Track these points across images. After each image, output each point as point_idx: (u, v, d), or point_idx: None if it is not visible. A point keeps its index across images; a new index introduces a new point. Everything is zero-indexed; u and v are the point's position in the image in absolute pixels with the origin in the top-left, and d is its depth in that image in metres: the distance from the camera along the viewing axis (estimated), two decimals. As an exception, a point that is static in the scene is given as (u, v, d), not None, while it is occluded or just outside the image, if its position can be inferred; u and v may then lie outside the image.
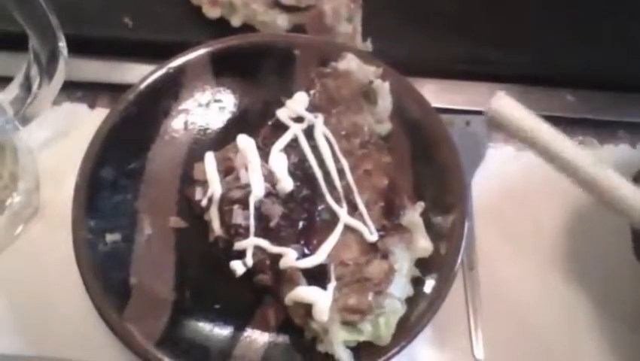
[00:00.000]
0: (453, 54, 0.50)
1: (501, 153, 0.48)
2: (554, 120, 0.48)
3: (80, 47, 0.46)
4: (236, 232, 0.38)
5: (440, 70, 0.50)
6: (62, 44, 0.39)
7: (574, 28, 0.51)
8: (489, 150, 0.48)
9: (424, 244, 0.39)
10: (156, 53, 0.48)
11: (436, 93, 0.47)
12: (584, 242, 0.45)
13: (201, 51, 0.44)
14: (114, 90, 0.48)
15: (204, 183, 0.40)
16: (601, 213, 0.45)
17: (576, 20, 0.51)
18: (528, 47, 0.50)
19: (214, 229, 0.40)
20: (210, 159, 0.40)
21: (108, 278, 0.38)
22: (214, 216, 0.39)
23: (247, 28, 0.49)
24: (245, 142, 0.41)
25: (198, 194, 0.40)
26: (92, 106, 0.49)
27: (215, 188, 0.39)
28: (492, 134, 0.48)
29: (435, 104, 0.44)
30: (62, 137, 0.47)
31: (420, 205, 0.41)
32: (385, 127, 0.43)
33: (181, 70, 0.44)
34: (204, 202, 0.40)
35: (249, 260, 0.38)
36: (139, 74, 0.45)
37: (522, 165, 0.47)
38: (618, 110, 0.49)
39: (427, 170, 0.42)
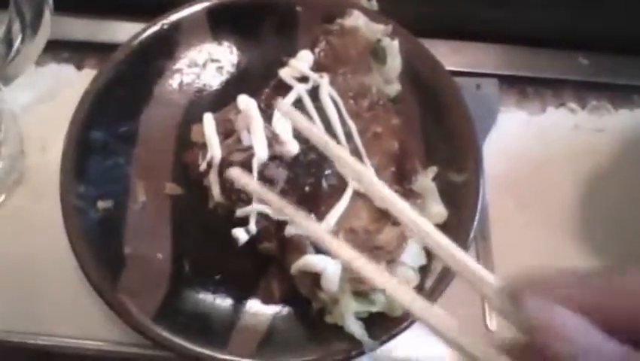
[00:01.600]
0: (463, 14, 0.48)
1: (513, 117, 0.46)
2: (567, 84, 0.47)
3: (67, 5, 0.43)
4: (238, 197, 0.36)
5: (448, 30, 0.47)
6: (47, -4, 0.36)
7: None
8: (500, 114, 0.45)
9: (437, 210, 0.37)
10: (147, 10, 0.45)
11: (445, 55, 0.44)
12: (599, 209, 0.43)
13: (197, 7, 0.41)
14: (103, 50, 0.45)
15: (202, 146, 0.37)
16: (616, 179, 0.44)
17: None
18: (541, 8, 0.48)
19: (213, 195, 0.37)
20: (209, 120, 0.38)
21: (100, 248, 0.35)
22: (213, 182, 0.37)
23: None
24: (246, 102, 0.38)
25: (196, 158, 0.37)
26: (79, 67, 0.46)
27: (215, 151, 0.37)
28: (504, 98, 0.46)
29: (445, 66, 0.42)
30: (48, 100, 0.44)
31: (432, 170, 0.39)
32: (394, 88, 0.41)
33: (175, 27, 0.41)
34: (203, 166, 0.37)
35: (252, 227, 0.36)
36: (129, 33, 0.42)
37: (535, 130, 0.45)
38: (633, 75, 0.47)
39: (437, 133, 0.40)
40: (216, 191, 0.37)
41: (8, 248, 0.40)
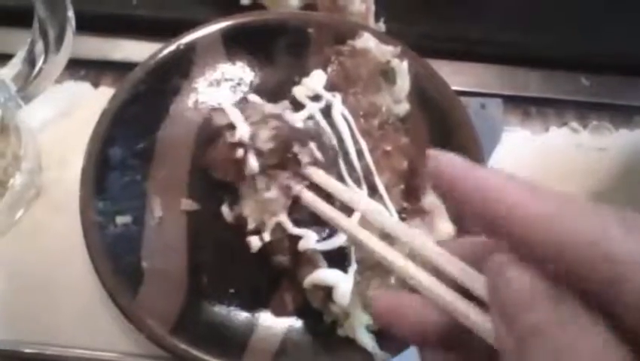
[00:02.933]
0: (467, 35, 0.49)
1: (517, 136, 0.47)
2: (569, 104, 0.49)
3: (84, 24, 0.44)
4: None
5: (453, 51, 0.49)
6: (71, 14, 0.37)
7: (590, 10, 0.50)
8: (504, 133, 0.47)
9: (445, 226, 0.38)
10: (161, 30, 0.46)
11: (449, 75, 0.46)
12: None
13: (213, 28, 0.43)
14: (118, 69, 0.47)
15: (228, 128, 0.38)
16: (620, 197, 0.45)
17: (591, 2, 0.50)
18: (543, 29, 0.49)
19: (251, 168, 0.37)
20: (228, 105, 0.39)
21: (119, 262, 0.36)
22: (251, 159, 0.37)
23: (257, 6, 0.47)
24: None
25: (221, 151, 0.38)
26: (95, 85, 0.47)
27: (242, 128, 0.37)
28: (508, 118, 0.47)
29: (450, 86, 0.43)
30: (65, 116, 0.45)
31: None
32: (403, 108, 0.42)
33: (191, 47, 0.42)
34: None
35: (267, 235, 0.37)
36: (144, 51, 0.44)
37: (539, 149, 0.47)
38: (634, 95, 0.48)
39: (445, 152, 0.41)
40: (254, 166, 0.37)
41: (26, 262, 0.41)
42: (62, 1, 0.36)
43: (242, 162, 0.37)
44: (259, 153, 0.37)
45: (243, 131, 0.37)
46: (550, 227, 0.18)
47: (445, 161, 0.21)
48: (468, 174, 0.20)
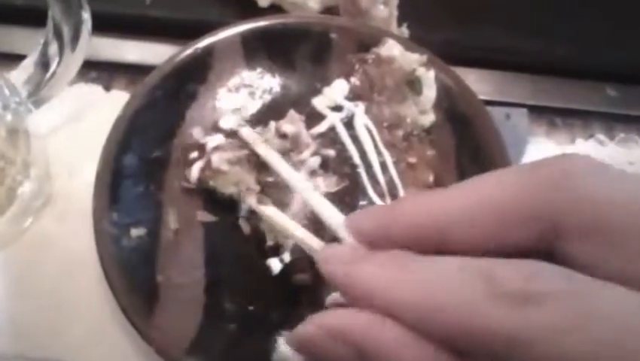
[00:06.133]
0: (492, 43, 0.48)
1: (542, 147, 0.45)
2: (595, 115, 0.47)
3: (96, 25, 0.42)
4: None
5: (477, 59, 0.47)
6: (87, 15, 0.35)
7: (617, 19, 0.49)
8: (529, 144, 0.45)
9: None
10: (175, 32, 0.45)
11: (473, 83, 0.44)
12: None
13: (231, 31, 0.41)
14: (131, 71, 0.45)
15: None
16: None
17: (619, 11, 0.49)
18: (569, 37, 0.48)
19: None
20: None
21: (133, 277, 0.35)
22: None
23: (275, 8, 0.46)
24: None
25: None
26: (107, 88, 0.45)
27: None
28: (533, 128, 0.46)
29: (474, 95, 0.42)
30: (75, 121, 0.44)
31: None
32: (429, 118, 0.40)
33: (209, 51, 0.41)
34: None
35: (287, 257, 0.36)
36: (158, 54, 0.43)
37: (565, 162, 0.45)
38: (661, 107, 0.47)
39: (472, 165, 0.40)
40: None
41: (34, 273, 0.39)
42: (78, 1, 0.34)
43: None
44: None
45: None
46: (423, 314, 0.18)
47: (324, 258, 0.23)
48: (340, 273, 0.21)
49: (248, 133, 0.37)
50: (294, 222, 0.32)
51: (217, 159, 0.36)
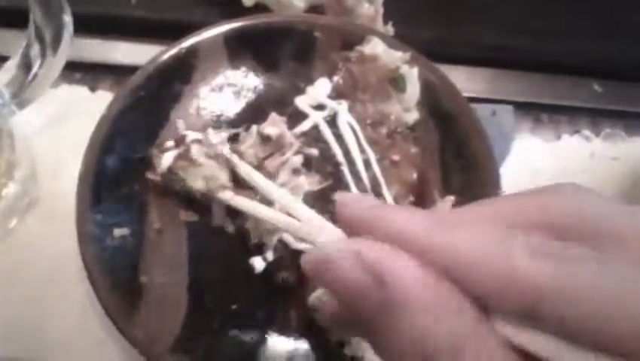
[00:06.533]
0: (477, 40, 0.48)
1: (528, 144, 0.46)
2: (581, 111, 0.47)
3: (80, 26, 0.42)
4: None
5: (463, 56, 0.47)
6: (68, 18, 0.35)
7: (604, 15, 0.49)
8: (515, 141, 0.45)
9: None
10: (161, 32, 0.45)
11: (459, 81, 0.44)
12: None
13: (215, 31, 0.41)
14: (116, 72, 0.45)
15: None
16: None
17: (605, 7, 0.49)
18: (555, 34, 0.48)
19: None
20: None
21: (116, 277, 0.35)
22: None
23: (260, 8, 0.46)
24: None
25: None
26: (92, 89, 0.45)
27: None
28: (519, 125, 0.46)
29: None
30: (60, 122, 0.44)
31: (450, 199, 0.38)
32: (413, 116, 0.40)
33: (193, 51, 0.41)
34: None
35: (269, 256, 0.36)
36: (143, 55, 0.42)
37: (551, 158, 0.45)
38: (647, 102, 0.47)
39: (456, 162, 0.40)
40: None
41: (19, 274, 0.39)
42: (58, 4, 0.34)
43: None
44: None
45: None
46: (454, 262, 0.18)
47: (343, 202, 0.22)
48: (367, 213, 0.20)
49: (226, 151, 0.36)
50: (273, 210, 0.31)
51: (196, 150, 0.36)
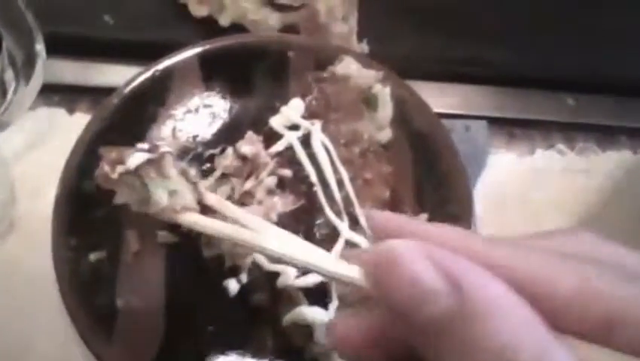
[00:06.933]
0: (451, 56, 0.48)
1: (503, 158, 0.46)
2: (555, 125, 0.48)
3: (57, 47, 0.43)
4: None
5: (437, 72, 0.48)
6: (40, 46, 0.36)
7: (576, 29, 0.49)
8: (490, 156, 0.46)
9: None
10: (139, 53, 0.45)
11: (433, 97, 0.45)
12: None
13: (189, 53, 0.41)
14: (94, 94, 0.45)
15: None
16: (610, 222, 0.44)
17: (578, 22, 0.50)
18: (528, 49, 0.49)
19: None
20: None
21: (92, 302, 0.35)
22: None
23: (236, 27, 0.46)
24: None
25: None
26: (71, 111, 0.45)
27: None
28: (493, 140, 0.47)
29: (434, 108, 0.42)
30: (39, 145, 0.44)
31: (423, 217, 0.39)
32: (386, 134, 0.41)
33: (168, 73, 0.41)
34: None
35: (244, 277, 0.36)
36: (121, 76, 0.43)
37: (525, 172, 0.46)
38: (620, 116, 0.48)
39: (429, 180, 0.40)
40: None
41: (-1, 297, 0.39)
42: (29, 33, 0.34)
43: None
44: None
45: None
46: (524, 275, 0.17)
47: (378, 218, 0.21)
48: (405, 228, 0.20)
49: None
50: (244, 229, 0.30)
51: (169, 161, 0.32)
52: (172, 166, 0.32)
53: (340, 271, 0.23)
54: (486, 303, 0.16)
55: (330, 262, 0.25)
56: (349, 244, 0.37)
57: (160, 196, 0.32)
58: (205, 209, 0.32)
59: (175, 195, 0.32)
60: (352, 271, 0.22)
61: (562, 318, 0.17)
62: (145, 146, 0.34)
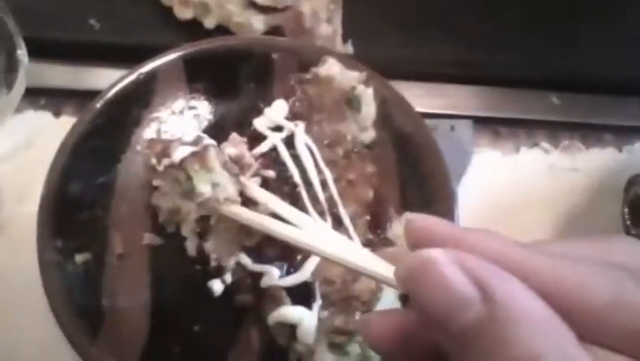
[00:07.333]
0: (437, 56, 0.49)
1: (487, 157, 0.46)
2: (540, 124, 0.48)
3: (43, 51, 0.43)
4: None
5: (422, 73, 0.48)
6: (22, 52, 0.36)
7: (560, 29, 0.50)
8: (475, 154, 0.46)
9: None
10: (125, 56, 0.45)
11: (419, 97, 0.45)
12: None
13: (173, 55, 0.42)
14: (80, 97, 0.46)
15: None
16: (592, 220, 0.44)
17: (562, 21, 0.50)
18: (513, 48, 0.49)
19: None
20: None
21: (78, 303, 0.35)
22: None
23: (221, 30, 0.46)
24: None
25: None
26: (57, 114, 0.46)
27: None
28: (478, 139, 0.47)
29: (418, 108, 0.43)
30: (25, 148, 0.44)
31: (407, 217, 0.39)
32: (369, 135, 0.41)
33: (152, 75, 0.41)
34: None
35: (228, 278, 0.37)
36: (106, 79, 0.43)
37: (510, 170, 0.46)
38: (604, 114, 0.48)
39: (413, 179, 0.41)
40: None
41: (-16, 302, 0.40)
42: (10, 40, 0.35)
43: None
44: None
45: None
46: (555, 285, 0.18)
47: (420, 221, 0.21)
48: (443, 232, 0.20)
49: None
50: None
51: (212, 153, 0.33)
52: (216, 159, 0.33)
53: (376, 269, 0.25)
54: (516, 312, 0.17)
55: (367, 260, 0.26)
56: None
57: (204, 188, 0.32)
58: (247, 201, 0.33)
59: (217, 187, 0.33)
60: (387, 271, 0.23)
61: (594, 330, 0.17)
62: (190, 139, 0.35)
